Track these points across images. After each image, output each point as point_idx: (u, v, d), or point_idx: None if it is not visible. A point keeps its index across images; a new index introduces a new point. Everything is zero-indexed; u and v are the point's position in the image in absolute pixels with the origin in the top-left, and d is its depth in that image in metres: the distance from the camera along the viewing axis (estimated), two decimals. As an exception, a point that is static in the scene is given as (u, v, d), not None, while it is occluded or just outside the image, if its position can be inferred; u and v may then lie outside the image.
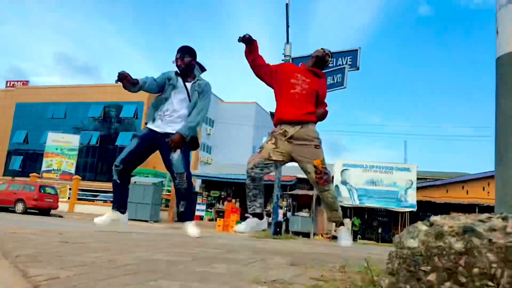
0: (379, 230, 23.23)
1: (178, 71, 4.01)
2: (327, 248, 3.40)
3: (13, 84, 51.78)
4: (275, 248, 2.87)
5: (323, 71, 3.82)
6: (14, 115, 48.66)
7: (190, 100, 3.94)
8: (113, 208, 3.82)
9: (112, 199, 4.10)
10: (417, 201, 21.07)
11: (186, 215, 3.80)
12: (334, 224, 3.75)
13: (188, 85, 3.97)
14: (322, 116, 3.70)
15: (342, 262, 1.84)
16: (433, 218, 0.96)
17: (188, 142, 3.87)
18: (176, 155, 3.76)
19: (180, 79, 4.00)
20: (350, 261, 1.84)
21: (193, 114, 3.89)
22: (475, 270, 0.81)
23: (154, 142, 3.84)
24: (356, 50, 5.99)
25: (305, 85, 3.60)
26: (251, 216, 3.50)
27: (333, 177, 22.02)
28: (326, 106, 3.81)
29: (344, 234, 3.59)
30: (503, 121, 1.07)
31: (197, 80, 4.04)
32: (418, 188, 21.53)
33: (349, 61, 6.00)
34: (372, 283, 1.16)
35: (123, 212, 3.84)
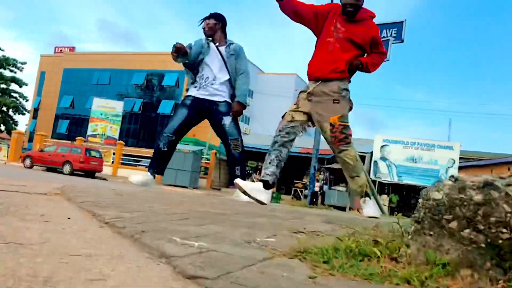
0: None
1: (206, 36, 3.99)
2: (359, 217, 3.51)
3: (60, 50, 53.51)
4: (312, 211, 3.01)
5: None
6: (61, 81, 50.44)
7: (226, 65, 3.95)
8: (151, 171, 3.73)
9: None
10: (458, 181, 20.65)
11: (242, 179, 3.89)
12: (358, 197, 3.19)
13: (222, 49, 3.95)
14: (364, 66, 3.22)
15: (374, 223, 1.96)
16: (458, 174, 1.07)
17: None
18: (228, 122, 3.79)
19: (212, 44, 3.96)
20: (382, 224, 1.96)
21: (242, 82, 3.94)
22: (492, 219, 0.93)
23: (202, 111, 3.85)
24: (402, 22, 5.89)
25: (340, 34, 3.15)
26: (257, 182, 3.13)
27: (372, 153, 21.80)
28: (379, 52, 3.30)
29: (369, 205, 3.06)
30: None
31: (230, 43, 4.02)
32: (460, 168, 21.02)
33: (394, 33, 5.92)
34: (401, 234, 1.28)
35: (154, 178, 3.76)
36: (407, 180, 21.74)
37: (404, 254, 1.03)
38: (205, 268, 0.80)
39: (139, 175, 3.68)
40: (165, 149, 3.78)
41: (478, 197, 0.96)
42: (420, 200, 1.08)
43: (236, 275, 0.78)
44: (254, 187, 2.97)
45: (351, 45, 3.17)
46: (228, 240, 1.18)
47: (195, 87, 3.92)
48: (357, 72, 3.79)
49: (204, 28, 3.98)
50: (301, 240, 1.20)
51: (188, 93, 3.92)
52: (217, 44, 3.96)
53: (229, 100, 3.87)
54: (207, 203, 2.69)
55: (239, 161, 3.87)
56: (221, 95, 3.86)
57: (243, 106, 3.88)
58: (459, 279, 0.91)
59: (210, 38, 3.98)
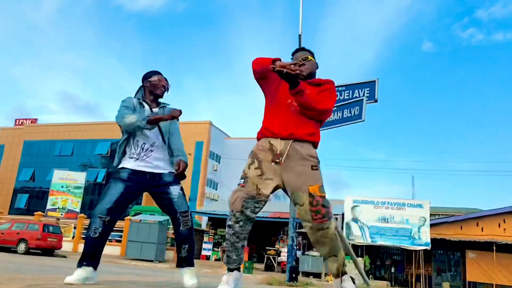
0: (392, 270, 22.46)
1: (156, 95, 3.57)
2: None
3: (21, 122, 52.40)
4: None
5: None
6: (21, 153, 48.93)
7: (160, 128, 3.46)
8: (85, 265, 3.13)
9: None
10: (431, 239, 20.41)
11: (189, 260, 3.34)
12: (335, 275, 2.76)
13: (156, 110, 3.53)
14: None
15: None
16: None
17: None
18: (176, 193, 3.33)
19: (147, 106, 3.52)
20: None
21: (179, 144, 3.51)
22: None
23: (143, 183, 3.35)
24: (374, 81, 5.78)
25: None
26: (227, 272, 2.75)
27: (343, 214, 21.47)
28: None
29: (347, 282, 2.72)
30: None
31: (163, 105, 3.61)
32: (431, 225, 20.92)
33: (367, 93, 5.77)
34: None
35: (95, 267, 3.19)
36: (380, 241, 21.40)
37: None
38: None
39: (73, 275, 3.03)
40: (97, 235, 3.14)
41: None
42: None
43: None
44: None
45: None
46: None
47: (131, 157, 3.37)
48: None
49: (158, 86, 3.53)
50: None
51: (122, 165, 3.35)
52: (152, 105, 3.52)
53: (172, 169, 3.39)
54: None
55: (188, 238, 3.34)
56: (162, 164, 3.39)
57: (187, 164, 3.40)
58: None
59: (143, 100, 3.52)
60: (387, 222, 21.16)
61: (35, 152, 48.07)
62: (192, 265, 3.32)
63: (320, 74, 3.02)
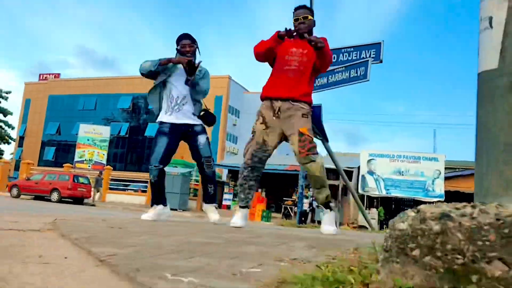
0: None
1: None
2: (347, 236, 3.62)
3: (45, 77, 53.42)
4: (298, 234, 3.12)
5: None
6: (47, 107, 50.26)
7: (190, 83, 4.06)
8: (155, 204, 3.99)
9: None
10: (445, 191, 20.92)
11: (213, 198, 4.20)
12: (324, 206, 3.45)
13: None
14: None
15: (357, 245, 2.07)
16: (420, 206, 1.19)
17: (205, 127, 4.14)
18: (202, 141, 4.04)
19: (180, 66, 4.08)
20: (363, 244, 2.08)
21: (198, 96, 4.16)
22: (448, 246, 1.05)
23: (180, 135, 4.04)
24: (380, 43, 6.12)
25: (304, 58, 3.36)
26: (239, 210, 3.48)
27: (359, 167, 22.03)
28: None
29: (329, 219, 3.44)
30: (481, 129, 1.29)
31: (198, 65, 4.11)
32: (446, 178, 21.36)
33: (373, 54, 6.13)
34: (376, 260, 1.40)
35: (165, 205, 4.07)
36: (395, 193, 21.99)
37: (374, 280, 1.15)
38: (194, 305, 0.90)
39: (149, 213, 3.93)
40: (156, 180, 3.94)
41: (436, 227, 1.08)
42: (387, 231, 1.20)
43: (222, 310, 0.88)
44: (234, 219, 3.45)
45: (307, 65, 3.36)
46: (216, 273, 1.28)
47: (167, 112, 4.06)
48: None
49: (184, 51, 4.09)
50: (282, 270, 1.31)
51: (161, 120, 4.05)
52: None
53: (202, 122, 4.09)
54: (196, 232, 2.78)
55: (212, 179, 4.18)
56: (192, 116, 4.06)
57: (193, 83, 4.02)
58: (422, 302, 1.03)
59: None
60: (402, 175, 21.67)
61: (60, 107, 49.29)
62: (215, 202, 4.19)
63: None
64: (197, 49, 4.18)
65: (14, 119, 78.64)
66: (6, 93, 42.63)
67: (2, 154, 42.93)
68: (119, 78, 48.58)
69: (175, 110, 4.02)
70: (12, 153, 51.71)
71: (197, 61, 3.99)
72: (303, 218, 6.21)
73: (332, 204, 3.49)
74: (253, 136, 3.43)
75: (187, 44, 4.10)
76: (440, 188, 21.12)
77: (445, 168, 21.69)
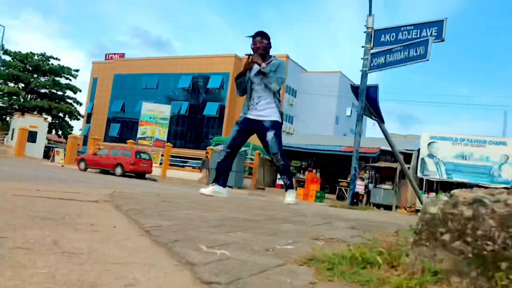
0: (468, 206, 22.16)
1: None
2: (396, 219, 3.57)
3: (111, 57, 55.76)
4: (345, 215, 3.11)
5: None
6: (112, 86, 52.61)
7: (266, 82, 4.40)
8: (218, 184, 4.43)
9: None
10: (513, 178, 19.76)
11: (288, 185, 4.52)
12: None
13: (263, 65, 4.35)
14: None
15: (399, 228, 2.05)
16: (454, 190, 1.17)
17: (280, 125, 4.46)
18: (270, 137, 4.34)
19: (255, 65, 4.42)
20: (406, 228, 2.05)
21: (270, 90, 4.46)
22: (479, 232, 1.03)
23: (252, 128, 4.45)
24: (442, 20, 5.81)
25: None
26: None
27: (419, 150, 21.28)
28: None
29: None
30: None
31: (271, 61, 4.44)
32: (514, 164, 20.13)
33: (434, 32, 5.84)
34: (406, 243, 1.39)
35: (223, 185, 4.47)
36: (456, 178, 21.04)
37: (403, 262, 1.15)
38: (220, 275, 0.95)
39: (208, 188, 4.42)
40: (222, 159, 4.47)
41: (467, 213, 1.06)
42: (419, 214, 1.19)
43: (245, 280, 0.93)
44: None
45: None
46: (249, 248, 1.33)
47: (247, 107, 4.51)
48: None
49: (254, 48, 4.46)
50: (315, 248, 1.34)
51: (242, 113, 4.57)
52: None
53: (273, 118, 4.39)
54: (243, 208, 2.86)
55: (283, 172, 4.50)
56: (266, 113, 4.41)
57: (264, 73, 4.34)
58: (447, 285, 1.02)
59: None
60: (466, 159, 20.67)
61: (124, 85, 51.42)
62: (291, 187, 4.52)
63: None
64: (269, 45, 4.51)
65: (82, 97, 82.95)
66: (75, 71, 45.00)
67: (72, 130, 45.62)
68: (180, 58, 49.74)
69: (253, 108, 4.44)
70: (80, 129, 54.84)
71: (255, 60, 4.36)
72: (355, 200, 6.18)
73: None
74: None
75: (258, 41, 4.46)
76: (508, 173, 19.94)
77: (515, 153, 20.43)
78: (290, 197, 4.42)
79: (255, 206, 3.16)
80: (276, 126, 4.39)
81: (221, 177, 4.47)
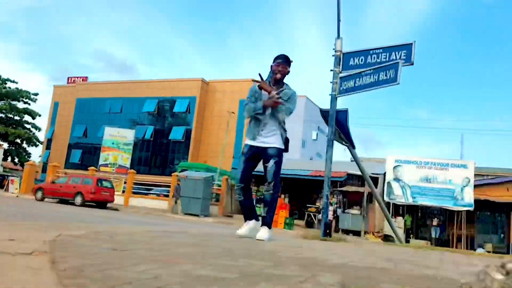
0: (433, 230, 22.36)
1: (274, 79, 4.38)
2: (380, 259, 3.25)
3: (73, 80, 54.45)
4: (325, 259, 2.77)
5: None
6: (74, 110, 51.17)
7: (273, 110, 4.31)
8: (248, 220, 4.36)
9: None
10: (474, 200, 20.10)
11: (266, 221, 4.27)
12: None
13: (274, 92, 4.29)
14: None
15: (398, 282, 1.72)
16: (509, 265, 0.84)
17: (282, 153, 4.36)
18: (270, 164, 4.23)
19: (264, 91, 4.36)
20: (407, 286, 1.72)
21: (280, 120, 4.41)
22: None
23: (257, 156, 4.39)
24: (411, 44, 5.70)
25: None
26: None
27: (385, 174, 21.42)
28: None
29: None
30: None
31: (283, 89, 4.38)
32: (475, 186, 20.53)
33: (403, 56, 5.73)
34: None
35: (256, 219, 4.37)
36: (421, 201, 21.29)
37: None
38: None
39: (243, 228, 4.29)
40: (242, 198, 4.36)
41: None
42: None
43: None
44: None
45: None
46: None
47: (251, 134, 4.41)
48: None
49: (276, 71, 4.36)
50: None
51: (247, 141, 4.47)
52: (275, 87, 4.36)
53: (277, 146, 4.30)
54: (209, 257, 2.46)
55: (268, 203, 4.28)
56: (271, 140, 4.32)
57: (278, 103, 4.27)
58: None
59: (275, 83, 4.40)
60: (430, 182, 20.95)
61: (87, 109, 50.10)
62: (267, 225, 4.22)
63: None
64: (288, 73, 4.44)
65: (42, 122, 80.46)
66: (34, 95, 43.54)
67: (30, 157, 43.78)
68: (145, 81, 49.05)
69: (259, 135, 4.37)
70: (40, 156, 52.78)
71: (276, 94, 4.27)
72: (327, 230, 5.87)
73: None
74: None
75: (278, 65, 4.38)
76: (469, 196, 20.30)
77: (475, 175, 20.86)
78: (264, 233, 4.15)
79: (224, 251, 2.77)
80: (279, 154, 4.34)
81: (251, 212, 4.46)
